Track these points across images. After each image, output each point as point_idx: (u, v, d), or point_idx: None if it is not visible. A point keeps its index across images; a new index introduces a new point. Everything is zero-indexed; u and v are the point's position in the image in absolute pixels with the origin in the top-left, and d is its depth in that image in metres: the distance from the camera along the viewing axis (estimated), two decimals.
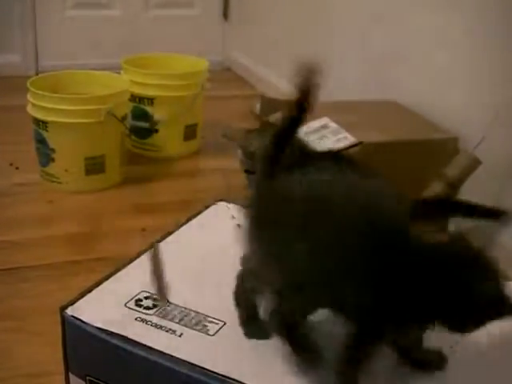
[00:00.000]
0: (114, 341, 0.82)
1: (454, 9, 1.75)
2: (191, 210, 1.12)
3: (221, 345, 0.82)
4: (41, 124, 1.97)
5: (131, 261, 1.00)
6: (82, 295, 0.90)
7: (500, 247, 0.73)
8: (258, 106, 2.23)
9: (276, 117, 0.85)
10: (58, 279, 1.55)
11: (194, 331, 0.84)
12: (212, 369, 0.78)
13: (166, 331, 0.84)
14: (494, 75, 1.62)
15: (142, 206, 1.95)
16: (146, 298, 0.91)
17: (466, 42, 1.72)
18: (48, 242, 1.73)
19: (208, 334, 0.84)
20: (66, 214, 1.89)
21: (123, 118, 2.04)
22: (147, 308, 0.88)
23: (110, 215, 1.90)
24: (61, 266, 1.62)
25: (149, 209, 1.93)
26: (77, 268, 1.60)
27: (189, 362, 0.79)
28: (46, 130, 1.96)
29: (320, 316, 0.79)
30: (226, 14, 3.27)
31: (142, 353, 0.81)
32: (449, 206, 0.87)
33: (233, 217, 1.09)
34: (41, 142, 1.99)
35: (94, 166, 2.00)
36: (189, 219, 1.11)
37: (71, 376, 0.89)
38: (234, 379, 0.77)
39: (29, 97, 1.99)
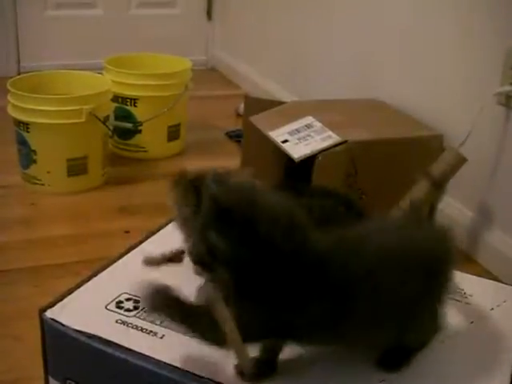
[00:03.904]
0: (95, 344, 0.81)
1: (439, 9, 1.75)
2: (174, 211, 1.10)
3: (203, 347, 0.80)
4: (22, 125, 1.94)
5: (112, 262, 0.98)
6: (61, 297, 0.89)
7: None
8: (242, 106, 2.22)
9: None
10: (41, 283, 1.53)
11: (176, 333, 0.83)
12: (194, 371, 0.77)
13: (148, 333, 0.83)
14: (478, 72, 1.62)
15: (125, 207, 1.93)
16: (127, 299, 0.89)
17: (449, 41, 1.72)
18: (30, 245, 1.70)
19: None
20: (49, 216, 1.86)
21: (105, 119, 2.02)
22: (128, 310, 0.87)
23: (92, 217, 1.87)
24: (44, 269, 1.60)
25: (132, 210, 1.90)
26: (60, 271, 1.58)
27: (170, 365, 0.77)
28: (27, 132, 1.94)
29: None
30: (209, 14, 3.26)
31: (123, 355, 0.79)
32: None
33: None
34: (22, 143, 1.97)
35: (77, 167, 1.98)
36: (171, 220, 1.10)
37: (51, 380, 0.87)
38: (216, 382, 0.76)
39: (9, 97, 1.96)
